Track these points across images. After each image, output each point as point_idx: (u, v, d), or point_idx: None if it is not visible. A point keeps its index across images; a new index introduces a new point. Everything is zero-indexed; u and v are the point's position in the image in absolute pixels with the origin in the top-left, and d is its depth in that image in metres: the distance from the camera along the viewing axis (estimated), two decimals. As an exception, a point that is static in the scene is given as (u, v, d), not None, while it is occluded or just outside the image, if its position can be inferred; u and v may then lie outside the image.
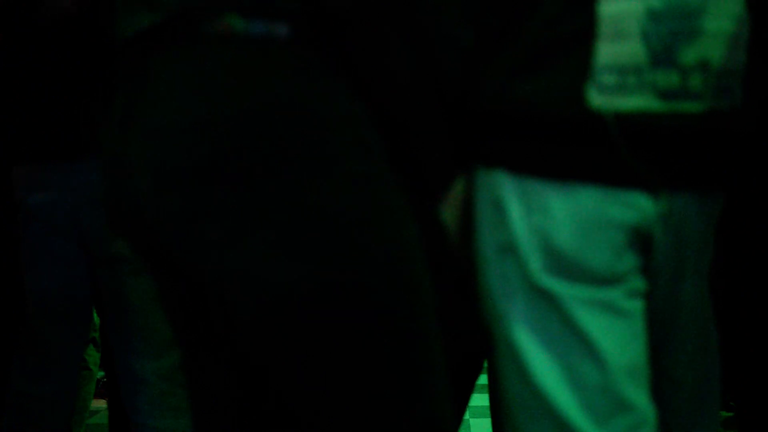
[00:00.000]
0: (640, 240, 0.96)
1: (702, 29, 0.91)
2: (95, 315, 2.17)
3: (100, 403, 2.93)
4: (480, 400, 1.91)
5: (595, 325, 0.94)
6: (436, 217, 1.03)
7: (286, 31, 0.89)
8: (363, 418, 0.93)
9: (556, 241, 0.94)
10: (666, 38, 0.90)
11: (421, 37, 0.94)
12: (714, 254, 1.06)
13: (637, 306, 0.97)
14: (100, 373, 2.60)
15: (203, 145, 0.87)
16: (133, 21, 0.93)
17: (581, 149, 0.93)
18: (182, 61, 0.90)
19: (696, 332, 1.05)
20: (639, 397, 0.96)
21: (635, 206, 0.94)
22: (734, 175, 1.02)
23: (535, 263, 0.95)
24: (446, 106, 0.98)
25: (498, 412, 1.04)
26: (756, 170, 1.44)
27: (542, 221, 0.94)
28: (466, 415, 3.12)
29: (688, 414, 1.05)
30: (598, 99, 0.91)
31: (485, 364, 1.27)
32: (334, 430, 0.93)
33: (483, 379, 1.41)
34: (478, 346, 1.31)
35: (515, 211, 0.95)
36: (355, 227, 0.91)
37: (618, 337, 0.95)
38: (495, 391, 1.03)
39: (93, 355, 2.58)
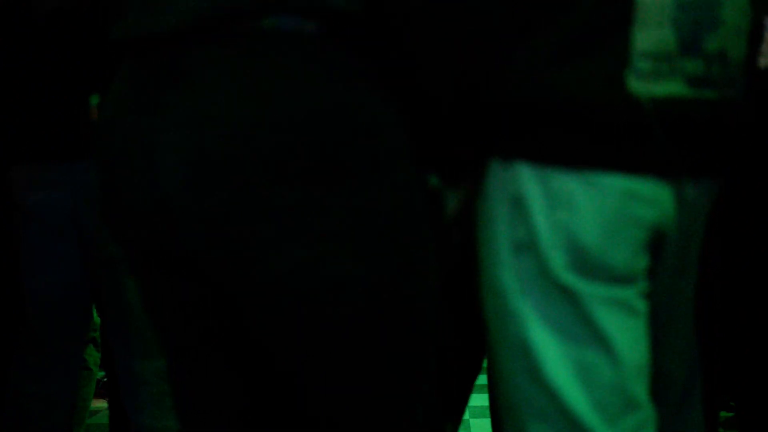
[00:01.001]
0: (656, 240, 0.96)
1: (722, 19, 0.93)
2: (95, 315, 2.17)
3: (101, 403, 2.93)
4: (480, 400, 1.91)
5: (612, 323, 0.94)
6: (441, 216, 1.04)
7: (316, 29, 0.88)
8: (379, 418, 0.95)
9: (580, 237, 0.93)
10: (692, 26, 0.92)
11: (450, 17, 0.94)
12: (714, 254, 1.06)
13: (644, 306, 0.97)
14: (101, 373, 2.60)
15: (258, 142, 0.86)
16: (159, 16, 0.91)
17: (611, 137, 0.93)
18: (232, 56, 0.87)
19: (686, 328, 1.06)
20: (644, 395, 0.96)
21: (658, 203, 0.94)
22: (734, 166, 1.03)
23: (557, 260, 0.94)
24: (462, 100, 0.98)
25: (501, 411, 1.03)
26: (754, 165, 1.44)
27: (567, 217, 0.93)
28: (466, 415, 3.11)
29: (675, 406, 1.05)
30: (636, 85, 0.91)
31: (485, 364, 1.27)
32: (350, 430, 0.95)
33: (483, 379, 1.41)
34: (477, 346, 1.31)
35: (537, 207, 0.95)
36: (400, 233, 0.92)
37: (631, 336, 0.95)
38: (498, 391, 1.03)
39: (93, 355, 2.58)
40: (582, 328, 0.94)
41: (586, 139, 0.93)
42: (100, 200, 0.99)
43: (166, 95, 0.88)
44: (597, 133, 0.93)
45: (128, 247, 0.99)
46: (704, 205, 1.01)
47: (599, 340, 0.93)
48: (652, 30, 0.91)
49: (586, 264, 0.93)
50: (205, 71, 0.88)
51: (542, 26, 0.93)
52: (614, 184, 0.93)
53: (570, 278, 0.94)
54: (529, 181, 0.95)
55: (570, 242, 0.93)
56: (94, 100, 1.67)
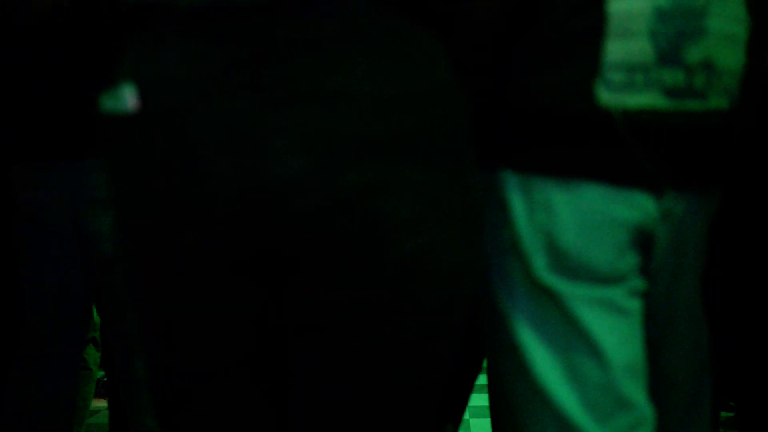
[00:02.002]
0: (642, 239, 0.96)
1: (706, 29, 0.92)
2: (95, 315, 2.17)
3: (100, 403, 2.93)
4: (480, 400, 1.91)
5: (598, 323, 0.94)
6: None
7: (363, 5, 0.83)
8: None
9: (559, 239, 0.94)
10: (672, 37, 0.91)
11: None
12: (714, 254, 1.06)
13: (636, 305, 0.97)
14: (100, 373, 2.60)
15: (400, 121, 0.81)
16: None
17: (587, 147, 0.93)
18: (346, 32, 0.81)
19: (691, 330, 1.05)
20: (638, 395, 0.96)
21: (639, 205, 0.94)
22: (732, 174, 1.03)
23: (538, 262, 0.95)
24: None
25: (499, 411, 1.04)
26: (754, 170, 1.44)
27: (546, 220, 0.94)
28: (466, 415, 3.12)
29: (682, 411, 1.05)
30: (606, 96, 0.91)
31: (485, 365, 1.27)
32: None
33: (483, 380, 1.41)
34: (477, 347, 1.31)
35: (519, 209, 0.96)
36: (482, 223, 0.91)
37: (619, 335, 0.95)
38: (496, 391, 1.03)
39: (93, 355, 2.58)
40: (567, 328, 0.94)
41: (561, 149, 0.93)
42: (149, 200, 0.87)
43: (269, 72, 0.80)
44: (572, 144, 0.93)
45: (182, 249, 0.87)
46: (697, 214, 1.01)
47: (585, 340, 0.94)
48: (625, 41, 0.91)
49: (566, 265, 0.94)
50: (315, 46, 0.80)
51: (519, 35, 0.94)
52: (592, 188, 0.93)
53: (552, 279, 0.94)
54: (510, 185, 0.96)
55: (549, 244, 0.94)
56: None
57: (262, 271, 0.87)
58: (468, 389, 1.44)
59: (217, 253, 0.85)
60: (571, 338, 0.94)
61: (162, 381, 0.96)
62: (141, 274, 0.92)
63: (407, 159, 0.82)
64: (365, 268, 0.83)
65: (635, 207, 0.94)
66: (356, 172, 0.80)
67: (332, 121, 0.79)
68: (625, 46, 0.91)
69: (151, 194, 0.86)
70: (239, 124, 0.80)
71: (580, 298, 0.94)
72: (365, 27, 0.81)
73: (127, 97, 0.85)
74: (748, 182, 1.45)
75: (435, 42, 0.86)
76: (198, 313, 0.90)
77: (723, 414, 2.57)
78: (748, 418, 1.62)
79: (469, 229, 0.88)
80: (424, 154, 0.82)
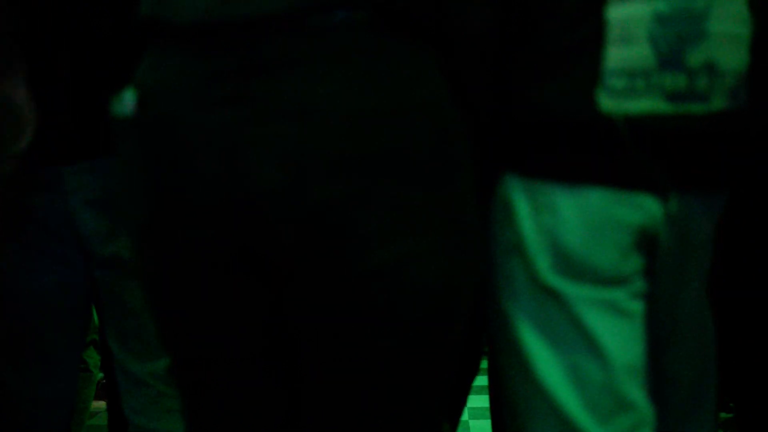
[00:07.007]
0: (646, 241, 0.96)
1: (708, 31, 0.92)
2: (95, 317, 2.17)
3: (100, 405, 2.93)
4: (479, 401, 1.91)
5: (600, 324, 0.94)
6: None
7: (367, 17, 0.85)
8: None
9: (563, 240, 0.94)
10: (673, 41, 0.91)
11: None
12: (714, 254, 1.06)
13: (639, 307, 0.97)
14: (100, 375, 2.60)
15: (378, 136, 0.83)
16: (229, 2, 0.86)
17: (591, 153, 0.93)
18: (327, 49, 0.83)
19: (695, 331, 1.05)
20: (639, 396, 0.96)
21: (642, 207, 0.94)
22: (739, 176, 1.03)
23: (542, 263, 0.95)
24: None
25: (501, 411, 1.04)
26: (761, 171, 1.44)
27: (550, 221, 0.95)
28: (465, 416, 3.12)
29: (685, 412, 1.06)
30: (607, 103, 0.91)
31: (484, 365, 1.27)
32: None
33: (482, 381, 1.41)
34: (475, 348, 1.31)
35: (523, 211, 0.96)
36: (474, 233, 0.92)
37: (621, 337, 0.95)
38: (498, 391, 1.03)
39: (93, 357, 2.58)
40: (570, 329, 0.94)
41: (565, 154, 0.94)
42: (141, 200, 0.92)
43: (251, 87, 0.83)
44: (576, 150, 0.94)
45: (175, 248, 0.92)
46: (703, 216, 1.01)
47: (587, 341, 0.94)
48: (625, 47, 0.91)
49: (570, 266, 0.94)
50: (297, 63, 0.83)
51: (519, 46, 0.94)
52: (596, 191, 0.94)
53: (555, 280, 0.95)
54: (515, 187, 0.97)
55: (554, 245, 0.94)
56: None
57: (259, 271, 0.90)
58: (466, 390, 1.44)
59: (209, 250, 0.89)
60: (574, 339, 0.95)
61: (179, 373, 1.01)
62: (145, 268, 0.96)
63: (380, 173, 0.83)
64: (338, 277, 0.86)
65: (639, 209, 0.94)
66: (327, 188, 0.83)
67: (305, 137, 0.82)
68: (626, 52, 0.91)
69: (146, 192, 0.90)
70: (221, 133, 0.84)
71: (583, 299, 0.94)
72: (347, 45, 0.83)
73: (129, 103, 0.90)
74: (758, 184, 1.44)
75: (426, 57, 0.87)
76: (200, 308, 0.94)
77: (722, 415, 2.57)
78: (748, 419, 1.62)
79: (451, 242, 0.88)
80: (398, 168, 0.84)
